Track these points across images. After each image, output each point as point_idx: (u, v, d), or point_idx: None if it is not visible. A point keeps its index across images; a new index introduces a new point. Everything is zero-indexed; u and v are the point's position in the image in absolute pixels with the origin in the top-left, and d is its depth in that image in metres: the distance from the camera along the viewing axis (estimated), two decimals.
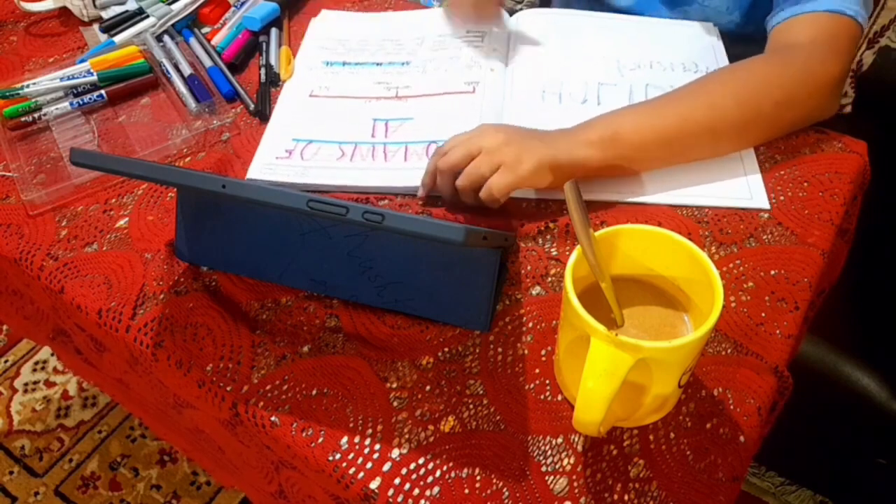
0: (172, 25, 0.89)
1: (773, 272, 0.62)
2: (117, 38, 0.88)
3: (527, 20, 0.86)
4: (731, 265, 0.63)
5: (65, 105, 0.80)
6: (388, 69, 0.82)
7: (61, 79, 0.81)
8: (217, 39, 0.88)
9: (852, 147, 0.72)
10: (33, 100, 0.79)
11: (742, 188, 0.68)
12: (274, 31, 0.89)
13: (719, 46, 0.82)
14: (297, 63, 0.85)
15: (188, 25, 0.90)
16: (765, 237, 0.65)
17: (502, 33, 0.85)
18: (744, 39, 0.86)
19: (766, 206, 0.67)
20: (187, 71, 0.82)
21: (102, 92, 0.80)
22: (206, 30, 0.91)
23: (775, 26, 0.75)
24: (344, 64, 0.84)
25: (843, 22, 0.71)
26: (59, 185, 0.72)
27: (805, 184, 0.69)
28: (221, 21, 0.91)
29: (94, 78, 0.81)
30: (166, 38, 0.87)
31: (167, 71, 0.83)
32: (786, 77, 0.69)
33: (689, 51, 0.82)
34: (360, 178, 0.70)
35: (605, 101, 0.76)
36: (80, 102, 0.80)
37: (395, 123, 0.76)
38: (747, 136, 0.71)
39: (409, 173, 0.70)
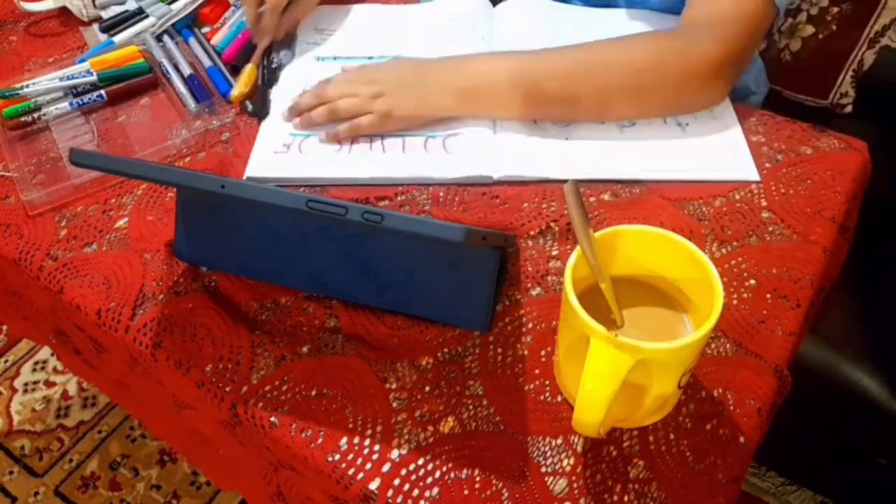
0: (172, 25, 0.89)
1: (774, 270, 0.62)
2: (117, 38, 0.87)
3: (510, 9, 0.86)
4: (732, 263, 0.63)
5: (64, 105, 0.79)
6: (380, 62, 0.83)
7: (61, 79, 0.81)
8: (217, 39, 0.88)
9: (853, 145, 0.72)
10: (33, 100, 0.79)
11: (729, 160, 0.69)
12: None
13: None
14: (294, 54, 0.85)
15: (188, 25, 0.90)
16: (766, 235, 0.64)
17: (489, 23, 0.85)
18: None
19: (756, 177, 0.67)
20: (187, 71, 0.82)
21: (102, 92, 0.80)
22: (205, 29, 0.91)
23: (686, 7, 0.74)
24: (335, 58, 0.84)
25: (740, 5, 0.68)
26: (58, 185, 0.71)
27: (807, 181, 0.68)
28: (221, 20, 0.91)
29: (94, 78, 0.81)
30: (166, 38, 0.87)
31: (167, 71, 0.83)
32: (658, 47, 0.68)
33: None
34: (359, 171, 0.71)
35: None
36: (80, 102, 0.80)
37: None
38: (608, 102, 0.71)
39: (408, 165, 0.71)
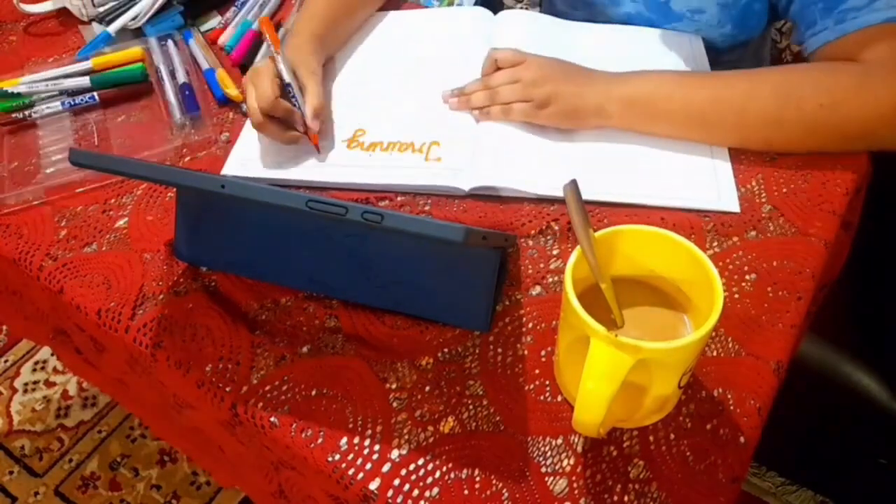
0: (180, 29, 0.88)
1: (775, 263, 0.62)
2: (111, 28, 0.87)
3: (510, 21, 0.85)
4: (733, 257, 0.63)
5: (56, 105, 0.79)
6: (371, 71, 0.82)
7: (57, 76, 0.81)
8: (223, 39, 0.88)
9: None
10: (27, 97, 0.79)
11: (712, 189, 0.67)
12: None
13: (702, 58, 0.80)
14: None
15: (189, 24, 0.89)
16: (767, 229, 0.64)
17: (484, 34, 0.84)
18: (738, 48, 0.84)
19: (736, 209, 0.66)
20: (182, 79, 0.82)
21: (94, 94, 0.80)
22: (208, 27, 0.90)
23: (821, 47, 0.69)
24: (326, 64, 0.84)
25: None
26: (30, 186, 0.72)
27: (807, 174, 0.68)
28: (224, 20, 0.90)
29: (87, 81, 0.80)
30: (169, 42, 0.86)
31: (161, 77, 0.82)
32: (839, 84, 0.64)
33: (669, 61, 0.80)
34: (333, 175, 0.70)
35: None
36: (72, 103, 0.80)
37: (373, 123, 0.75)
38: (781, 133, 0.67)
39: (385, 171, 0.70)
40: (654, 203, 0.67)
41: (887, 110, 0.63)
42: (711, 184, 0.68)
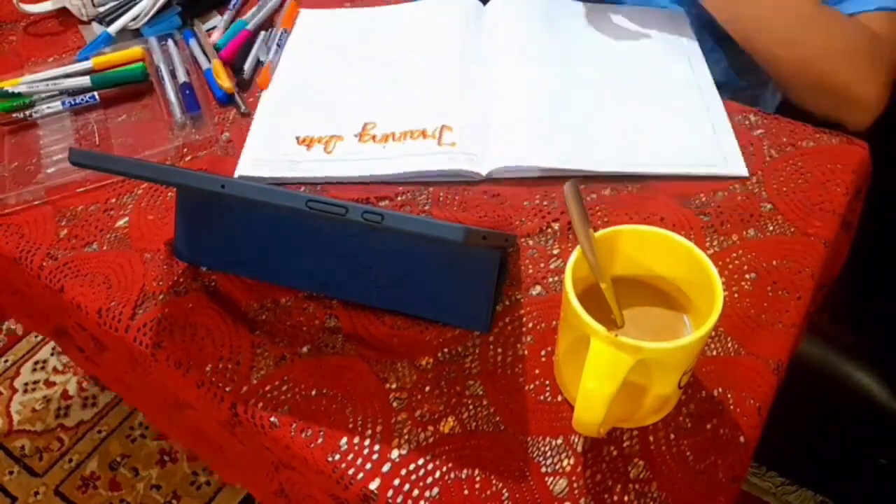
0: (179, 29, 0.88)
1: (774, 262, 0.62)
2: (111, 28, 0.87)
3: (502, 6, 0.85)
4: (732, 256, 0.63)
5: (56, 104, 0.79)
6: (371, 65, 0.82)
7: (58, 76, 0.81)
8: (215, 37, 0.88)
9: (853, 140, 0.72)
10: (27, 97, 0.79)
11: (716, 156, 0.69)
12: (262, 33, 0.88)
13: (690, 36, 0.81)
14: (282, 58, 0.85)
15: (189, 25, 0.89)
16: (767, 228, 0.65)
17: (480, 21, 0.84)
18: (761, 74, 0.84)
19: (744, 172, 0.67)
20: (182, 78, 0.82)
21: (95, 94, 0.80)
22: (208, 26, 0.90)
23: None
24: (328, 60, 0.84)
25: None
26: (30, 186, 0.71)
27: (806, 174, 0.68)
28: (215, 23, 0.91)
29: (88, 81, 0.80)
30: (169, 41, 0.87)
31: (162, 77, 0.82)
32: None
33: (662, 38, 0.81)
34: (349, 170, 0.71)
35: (574, 94, 0.76)
36: (72, 103, 0.80)
37: (382, 115, 0.76)
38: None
39: (400, 161, 0.70)
40: (661, 171, 0.68)
41: (844, 48, 0.71)
42: (715, 149, 0.69)
